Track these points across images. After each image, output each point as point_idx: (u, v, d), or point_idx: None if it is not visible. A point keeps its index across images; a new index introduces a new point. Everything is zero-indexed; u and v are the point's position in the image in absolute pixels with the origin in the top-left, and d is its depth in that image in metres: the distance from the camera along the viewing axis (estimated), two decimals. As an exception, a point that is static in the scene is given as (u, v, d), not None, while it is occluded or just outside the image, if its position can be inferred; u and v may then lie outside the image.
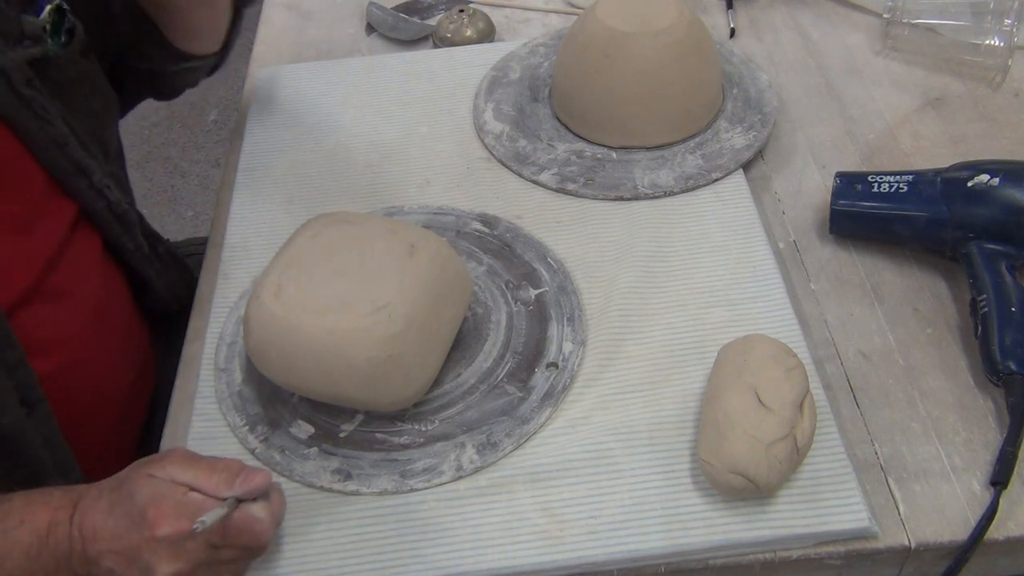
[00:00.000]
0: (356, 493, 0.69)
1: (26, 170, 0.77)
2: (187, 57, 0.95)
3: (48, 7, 0.80)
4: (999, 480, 0.67)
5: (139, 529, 0.59)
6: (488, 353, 0.77)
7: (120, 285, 0.88)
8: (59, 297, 0.78)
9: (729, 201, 0.89)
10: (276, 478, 0.70)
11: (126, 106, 0.98)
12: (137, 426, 0.89)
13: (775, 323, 0.77)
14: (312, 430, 0.73)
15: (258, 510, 0.62)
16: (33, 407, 0.73)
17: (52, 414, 0.74)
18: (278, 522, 0.65)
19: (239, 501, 0.61)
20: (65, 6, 0.82)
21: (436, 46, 1.11)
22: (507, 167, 0.94)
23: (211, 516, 0.58)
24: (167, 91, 1.02)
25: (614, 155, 0.94)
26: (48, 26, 0.80)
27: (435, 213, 0.90)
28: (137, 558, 0.59)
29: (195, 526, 0.57)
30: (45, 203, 0.79)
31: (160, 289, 0.83)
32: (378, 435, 0.72)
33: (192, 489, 0.61)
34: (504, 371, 0.76)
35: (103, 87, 0.88)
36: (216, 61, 0.99)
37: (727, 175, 0.91)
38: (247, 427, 0.74)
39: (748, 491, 0.65)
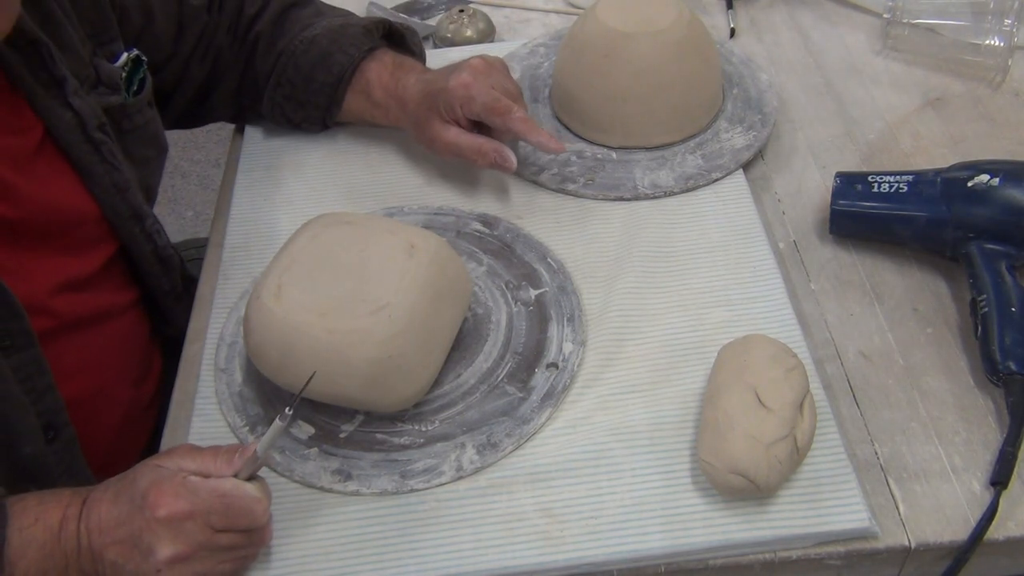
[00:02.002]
0: (356, 493, 0.69)
1: (84, 209, 0.80)
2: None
3: (126, 56, 0.83)
4: (999, 480, 0.67)
5: (140, 512, 0.60)
6: (488, 353, 0.77)
7: (143, 317, 0.90)
8: (87, 327, 0.80)
9: (729, 201, 0.89)
10: (276, 478, 0.70)
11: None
12: (143, 440, 0.90)
13: (775, 323, 0.77)
14: (312, 430, 0.73)
15: (255, 490, 0.62)
16: (58, 432, 0.74)
17: (76, 440, 0.76)
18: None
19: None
20: (143, 57, 0.84)
21: (436, 46, 1.11)
22: (507, 167, 0.94)
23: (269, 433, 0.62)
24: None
25: (614, 155, 0.93)
26: (124, 74, 0.82)
27: (435, 213, 0.90)
28: (138, 542, 0.60)
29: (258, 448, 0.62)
30: (94, 241, 0.82)
31: (182, 325, 0.85)
32: (378, 435, 0.72)
33: (195, 475, 0.62)
34: (504, 371, 0.76)
35: (159, 137, 0.90)
36: None
37: (727, 175, 0.91)
38: (247, 427, 0.74)
39: (748, 491, 0.65)
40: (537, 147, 0.85)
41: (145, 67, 0.86)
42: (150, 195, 0.89)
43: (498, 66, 0.88)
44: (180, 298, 0.91)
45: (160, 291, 0.89)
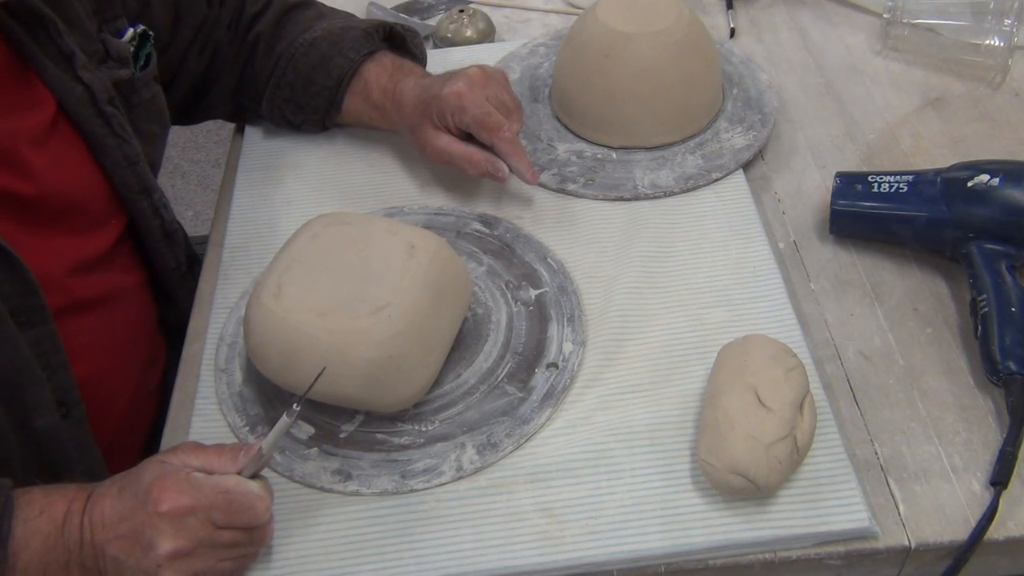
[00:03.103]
0: (356, 493, 0.69)
1: (95, 185, 0.80)
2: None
3: (132, 31, 0.85)
4: (999, 480, 0.67)
5: (143, 507, 0.60)
6: (488, 353, 0.77)
7: (149, 301, 0.90)
8: (98, 307, 0.80)
9: (729, 201, 0.89)
10: (277, 478, 0.70)
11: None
12: (148, 426, 0.90)
13: (775, 323, 0.77)
14: (312, 430, 0.73)
15: (257, 488, 0.62)
16: (70, 410, 0.75)
17: (87, 418, 0.76)
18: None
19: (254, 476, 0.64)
20: (150, 32, 0.85)
21: (436, 46, 1.11)
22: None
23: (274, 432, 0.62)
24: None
25: (614, 155, 0.94)
26: (132, 49, 0.83)
27: (435, 213, 0.90)
28: (140, 536, 0.60)
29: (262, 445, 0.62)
30: (103, 218, 0.82)
31: (186, 308, 0.85)
32: (378, 435, 0.72)
33: (199, 471, 0.62)
34: (504, 371, 0.76)
35: (164, 112, 0.91)
36: None
37: (727, 175, 0.91)
38: (247, 427, 0.74)
39: (748, 491, 0.65)
40: (514, 172, 0.85)
41: (152, 42, 0.87)
42: (155, 170, 0.90)
43: (496, 77, 0.87)
44: (185, 277, 0.91)
45: (166, 269, 0.89)
